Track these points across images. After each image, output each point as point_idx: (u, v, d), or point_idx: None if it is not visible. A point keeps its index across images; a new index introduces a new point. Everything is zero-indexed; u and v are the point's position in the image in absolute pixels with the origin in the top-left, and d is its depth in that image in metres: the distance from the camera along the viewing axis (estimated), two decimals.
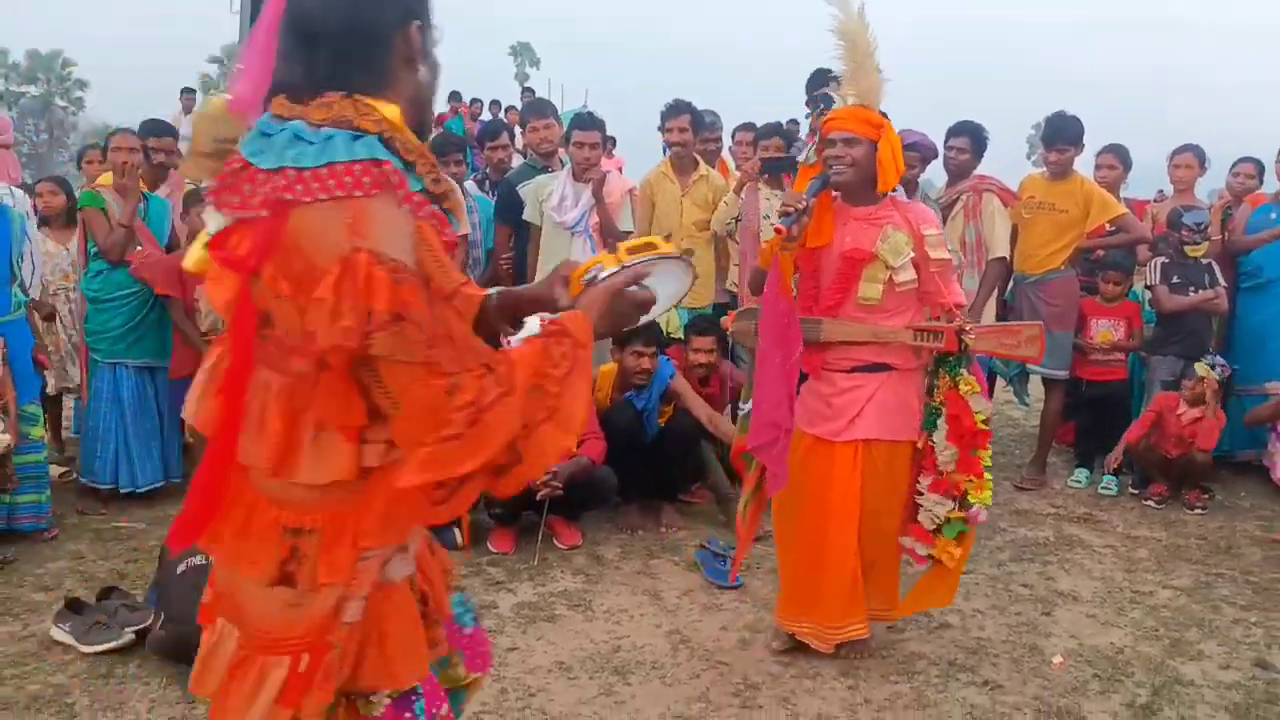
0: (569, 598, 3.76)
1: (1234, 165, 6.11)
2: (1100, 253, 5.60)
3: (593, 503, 4.40)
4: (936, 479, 3.10)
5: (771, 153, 4.96)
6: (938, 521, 3.08)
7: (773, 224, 2.95)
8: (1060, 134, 5.22)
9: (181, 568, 3.15)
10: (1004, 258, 5.11)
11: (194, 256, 1.44)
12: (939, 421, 3.09)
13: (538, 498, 4.12)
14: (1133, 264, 5.66)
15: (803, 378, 3.28)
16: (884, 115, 3.10)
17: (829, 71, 3.41)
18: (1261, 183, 6.07)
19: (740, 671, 3.21)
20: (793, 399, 3.10)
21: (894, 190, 3.14)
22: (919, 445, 3.15)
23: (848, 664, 3.26)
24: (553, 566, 4.07)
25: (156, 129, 5.09)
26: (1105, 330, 5.49)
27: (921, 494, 3.13)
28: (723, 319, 4.53)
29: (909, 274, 3.06)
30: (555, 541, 4.28)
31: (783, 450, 3.06)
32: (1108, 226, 5.39)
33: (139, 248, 4.59)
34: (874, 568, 3.23)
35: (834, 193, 3.10)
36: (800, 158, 3.19)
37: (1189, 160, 5.82)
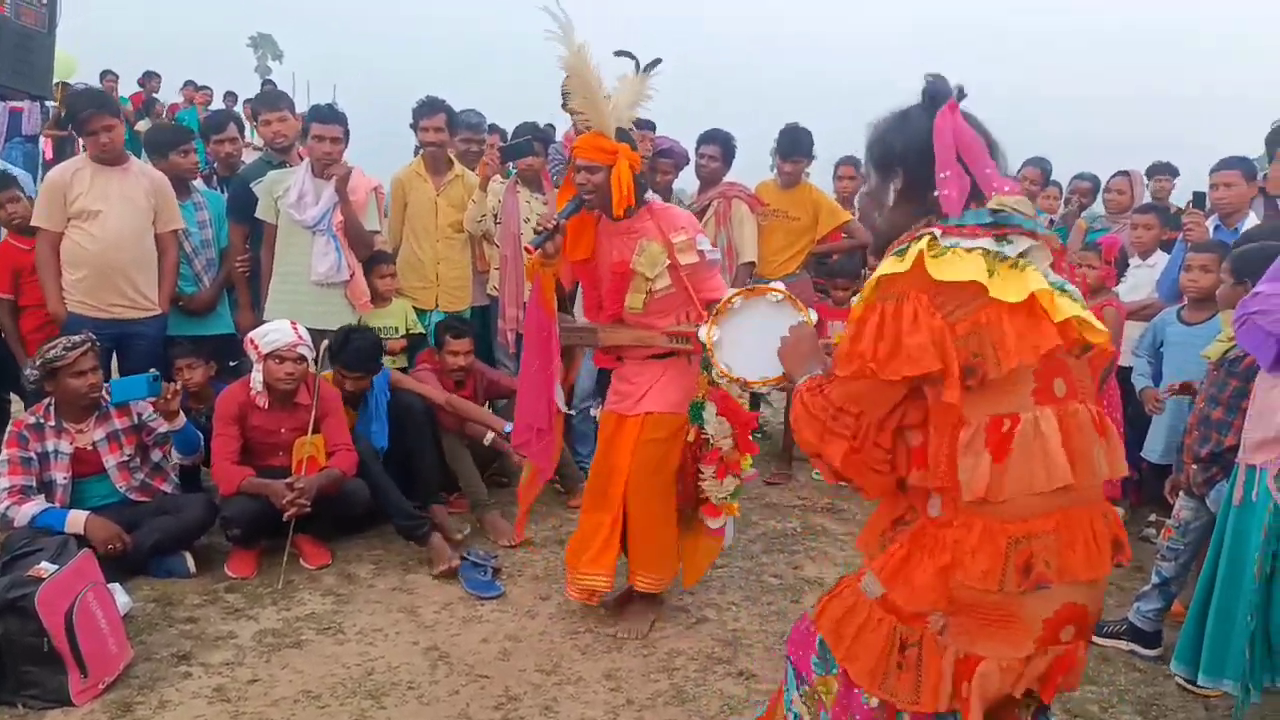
0: (317, 621, 3.53)
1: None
2: (835, 257, 5.96)
3: (343, 518, 4.16)
4: (720, 466, 3.44)
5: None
6: (725, 495, 3.47)
7: (531, 235, 3.16)
8: (796, 146, 5.52)
9: None
10: (753, 261, 5.34)
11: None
12: (703, 414, 3.41)
13: (284, 517, 3.84)
14: (859, 269, 6.06)
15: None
16: (627, 134, 3.36)
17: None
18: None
19: (501, 684, 3.13)
20: (551, 402, 3.42)
21: (634, 208, 3.34)
22: (690, 438, 3.44)
23: (609, 665, 3.26)
24: (299, 589, 3.81)
25: None
26: (840, 332, 5.81)
27: (706, 479, 3.46)
28: None
29: (664, 281, 3.36)
30: (302, 562, 4.00)
31: (545, 447, 3.46)
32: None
33: None
34: (646, 534, 3.48)
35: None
36: (558, 181, 3.38)
37: None
